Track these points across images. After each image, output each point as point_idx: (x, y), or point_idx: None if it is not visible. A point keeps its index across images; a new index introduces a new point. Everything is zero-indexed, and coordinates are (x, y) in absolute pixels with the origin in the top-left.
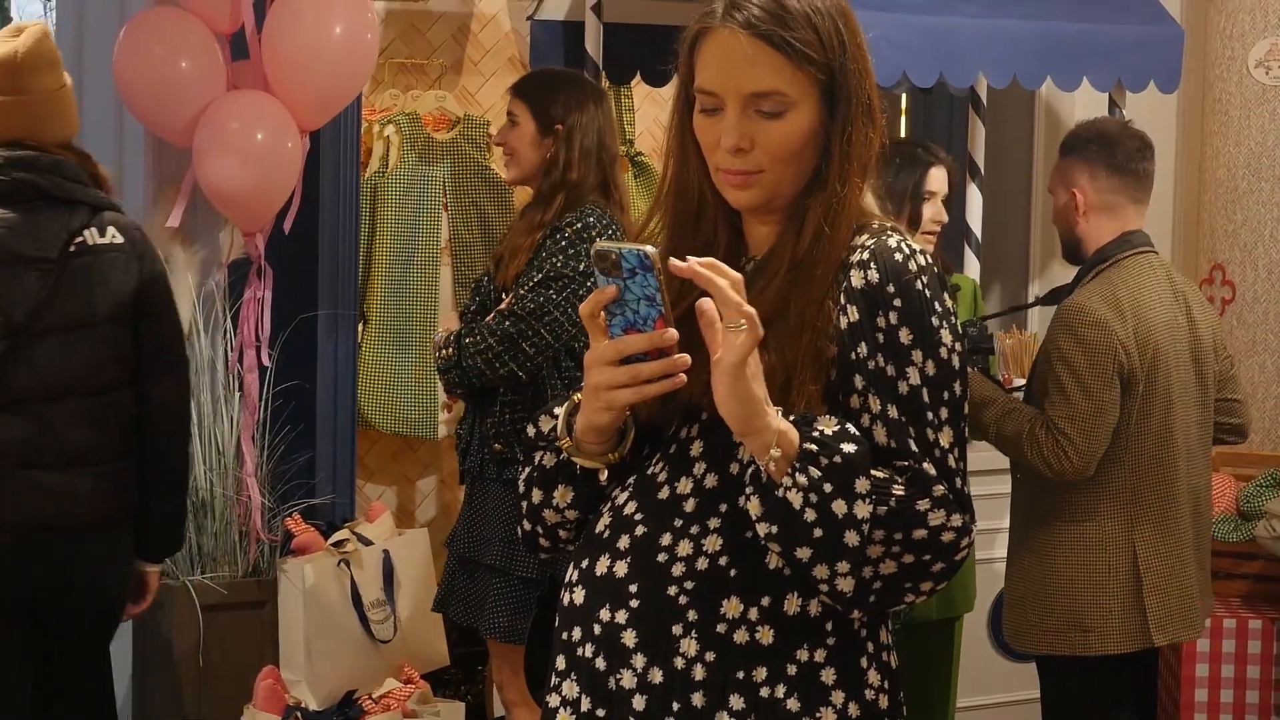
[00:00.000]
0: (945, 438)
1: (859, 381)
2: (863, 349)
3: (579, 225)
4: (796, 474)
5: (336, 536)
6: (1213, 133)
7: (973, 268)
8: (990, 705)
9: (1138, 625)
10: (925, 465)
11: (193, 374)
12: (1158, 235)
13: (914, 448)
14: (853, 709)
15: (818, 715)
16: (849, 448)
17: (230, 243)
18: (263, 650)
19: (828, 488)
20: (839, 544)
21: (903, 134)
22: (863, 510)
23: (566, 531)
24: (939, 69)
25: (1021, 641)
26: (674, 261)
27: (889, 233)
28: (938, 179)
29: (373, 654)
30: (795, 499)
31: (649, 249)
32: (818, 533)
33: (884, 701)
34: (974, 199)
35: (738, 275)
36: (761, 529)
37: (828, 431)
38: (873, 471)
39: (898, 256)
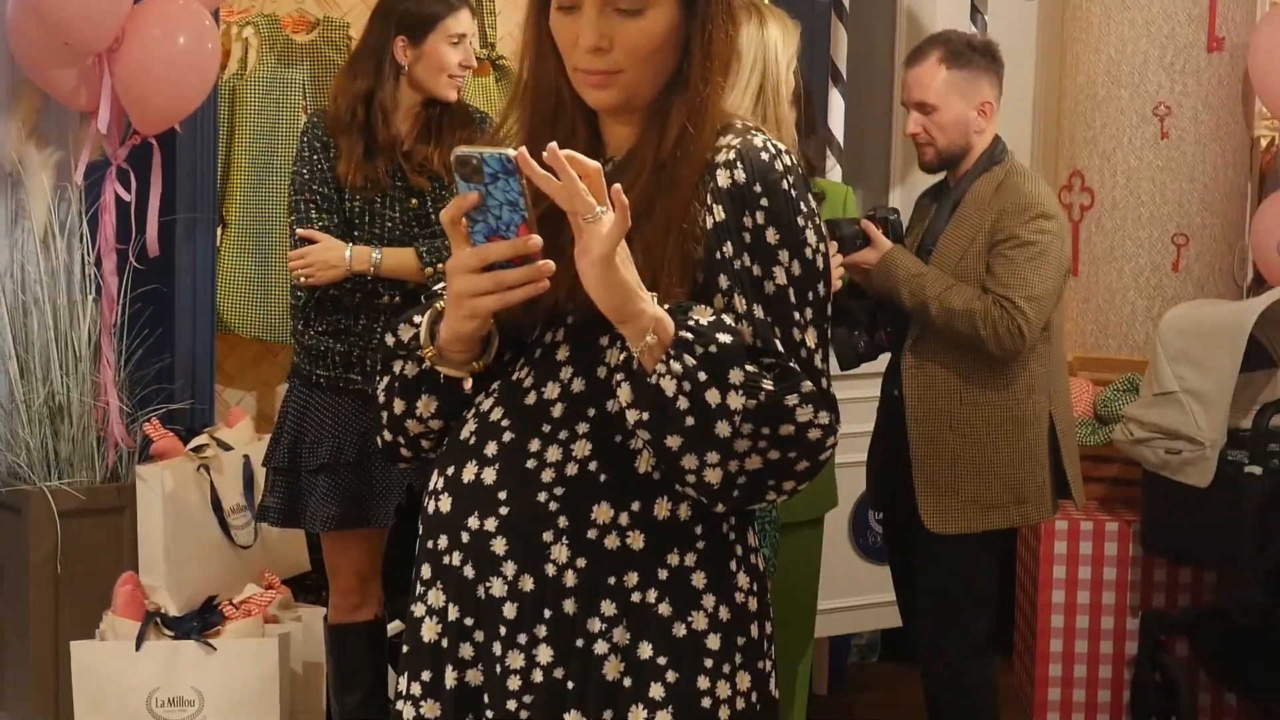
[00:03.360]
0: (810, 337)
1: (724, 281)
2: (729, 249)
3: None
4: (671, 361)
5: (196, 442)
6: (1073, 39)
7: (835, 173)
8: (848, 608)
9: (1058, 492)
10: (792, 364)
11: (48, 277)
12: (1019, 142)
13: (780, 347)
14: (723, 612)
15: (689, 619)
16: (724, 338)
17: (87, 145)
18: (122, 556)
19: (702, 376)
20: (710, 433)
21: None
22: (735, 401)
23: (429, 441)
24: None
25: (949, 523)
26: (524, 155)
27: (753, 132)
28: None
29: (233, 559)
30: (668, 386)
31: (511, 152)
32: (689, 421)
33: (753, 604)
34: (836, 105)
35: (596, 165)
36: (631, 416)
37: (703, 321)
38: (744, 366)
39: (764, 156)
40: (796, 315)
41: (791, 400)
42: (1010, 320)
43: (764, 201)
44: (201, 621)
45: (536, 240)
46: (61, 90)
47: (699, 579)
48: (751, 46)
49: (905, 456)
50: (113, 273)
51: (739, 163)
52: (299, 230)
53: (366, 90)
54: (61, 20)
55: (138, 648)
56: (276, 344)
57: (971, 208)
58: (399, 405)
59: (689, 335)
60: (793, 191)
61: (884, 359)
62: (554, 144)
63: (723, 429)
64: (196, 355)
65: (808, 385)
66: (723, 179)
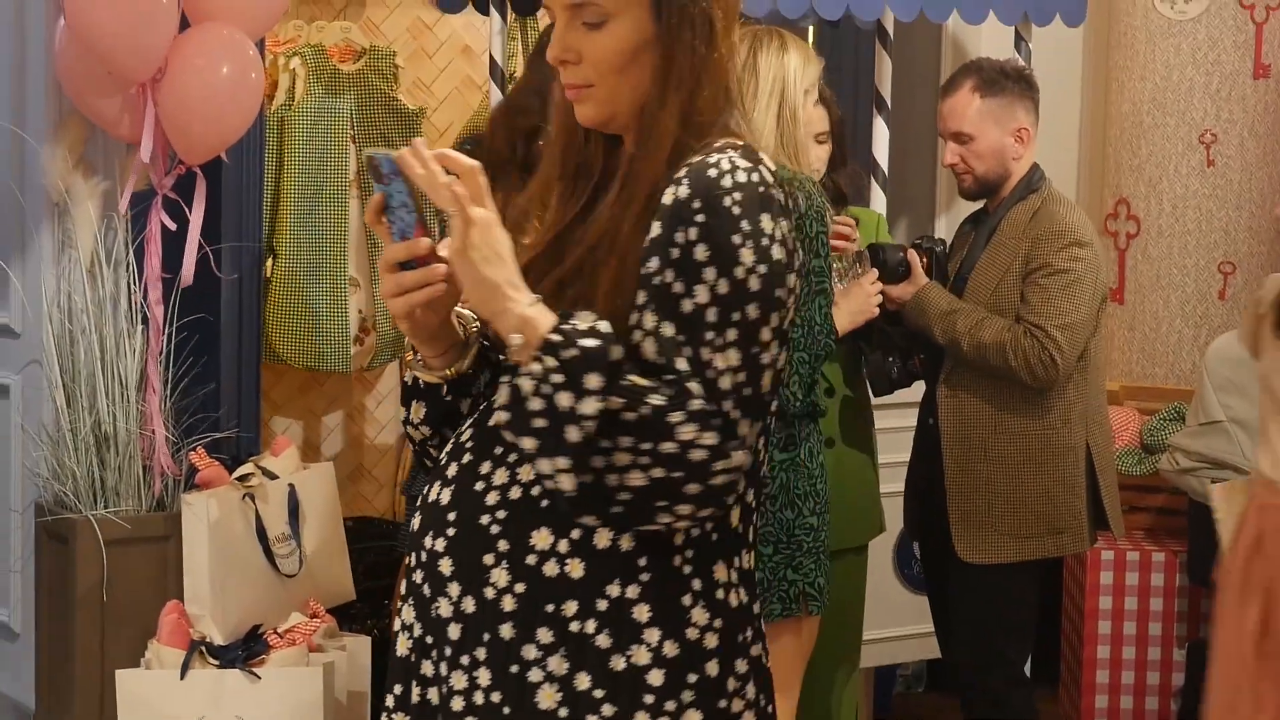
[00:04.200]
0: (725, 359)
1: (641, 296)
2: (653, 264)
3: None
4: (533, 362)
5: (241, 470)
6: (1118, 67)
7: (879, 202)
8: (892, 638)
9: (1096, 523)
10: (692, 383)
11: (95, 306)
12: (1064, 170)
13: (683, 366)
14: (669, 648)
15: (629, 653)
16: (590, 342)
17: (132, 174)
18: (167, 585)
19: (557, 379)
20: (560, 438)
21: None
22: (589, 406)
23: (435, 449)
24: (846, 2)
25: (983, 553)
26: (404, 155)
27: (727, 151)
28: None
29: (278, 588)
30: (526, 386)
31: (394, 153)
32: (540, 423)
33: (712, 641)
34: (880, 133)
35: (472, 164)
36: (498, 417)
37: (580, 326)
38: (632, 378)
39: (711, 173)
40: (711, 335)
41: (675, 417)
42: (1042, 349)
43: (699, 217)
44: (246, 650)
45: (424, 242)
46: (108, 119)
47: (641, 612)
48: (771, 70)
49: (941, 485)
50: (159, 302)
51: (685, 179)
52: None
53: (531, 127)
54: (104, 50)
55: (183, 676)
56: (322, 373)
57: (1007, 235)
58: (402, 412)
59: (556, 338)
60: (736, 209)
61: (920, 387)
62: (419, 139)
63: (572, 434)
64: (242, 384)
65: (697, 404)
66: (668, 196)
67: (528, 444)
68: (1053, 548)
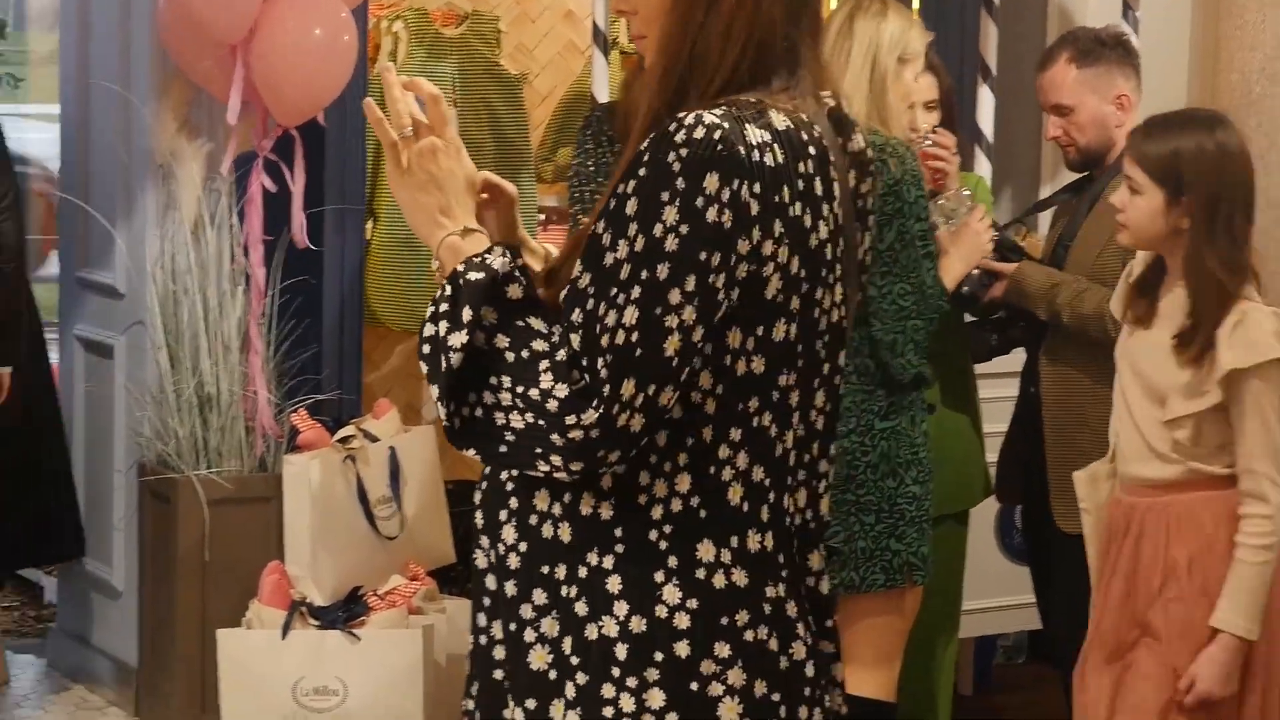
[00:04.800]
0: (617, 317)
1: (583, 247)
2: (599, 214)
3: None
4: (438, 289)
5: (343, 433)
6: (1227, 36)
7: (984, 169)
8: (993, 609)
9: None
10: (574, 335)
11: (198, 268)
12: None
13: (576, 317)
14: (636, 623)
15: (600, 624)
16: (475, 275)
17: (234, 136)
18: (268, 545)
19: (444, 308)
20: (437, 367)
21: None
22: (456, 339)
23: None
24: None
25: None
26: (383, 75)
27: (717, 108)
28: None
29: (378, 550)
30: (427, 312)
31: (378, 70)
32: (426, 349)
33: (683, 621)
34: (985, 100)
35: (433, 91)
36: None
37: (488, 260)
38: (529, 320)
39: (671, 127)
40: (614, 290)
41: (543, 365)
42: None
43: (642, 171)
44: (346, 611)
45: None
46: (210, 81)
47: (614, 583)
48: (867, 35)
49: (1042, 454)
50: (260, 263)
51: (651, 135)
52: (585, 220)
53: None
54: (195, 10)
55: (283, 636)
56: None
57: (1109, 205)
58: None
59: (460, 268)
60: (676, 165)
61: (1021, 355)
62: (387, 64)
63: (443, 363)
64: (344, 346)
65: (562, 354)
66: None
67: (422, 367)
68: None
